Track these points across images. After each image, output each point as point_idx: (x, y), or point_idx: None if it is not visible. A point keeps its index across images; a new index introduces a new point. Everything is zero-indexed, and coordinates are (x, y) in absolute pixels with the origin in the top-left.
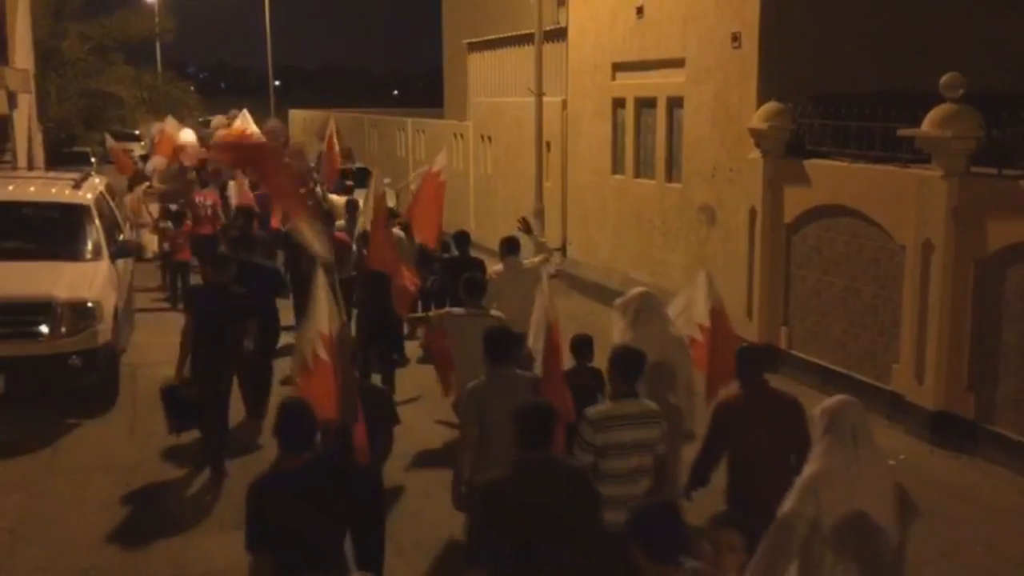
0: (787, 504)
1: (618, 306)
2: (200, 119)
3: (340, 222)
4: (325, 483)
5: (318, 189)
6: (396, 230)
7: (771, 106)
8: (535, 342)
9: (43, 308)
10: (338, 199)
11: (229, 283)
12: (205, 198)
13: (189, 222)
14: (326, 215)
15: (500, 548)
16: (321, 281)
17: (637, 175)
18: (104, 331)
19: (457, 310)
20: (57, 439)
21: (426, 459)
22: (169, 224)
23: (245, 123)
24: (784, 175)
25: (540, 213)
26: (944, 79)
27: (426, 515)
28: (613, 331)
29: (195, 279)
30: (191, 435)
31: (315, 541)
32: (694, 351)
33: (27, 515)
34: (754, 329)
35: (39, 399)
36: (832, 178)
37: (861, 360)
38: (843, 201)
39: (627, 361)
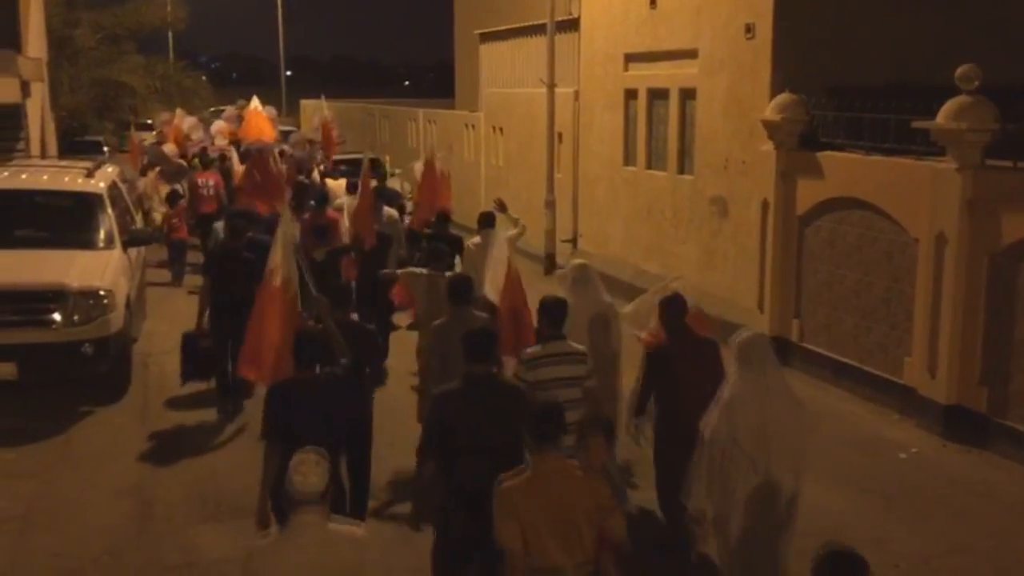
0: (709, 425)
1: (558, 276)
2: (211, 109)
3: (339, 200)
4: (329, 391)
5: (315, 175)
6: (391, 211)
7: (784, 98)
8: (490, 290)
9: (56, 296)
10: (335, 183)
11: (241, 249)
12: (207, 179)
13: (184, 202)
14: (322, 197)
15: (443, 443)
16: (281, 233)
17: (649, 167)
18: (116, 319)
19: (420, 270)
20: (70, 426)
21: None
22: (164, 207)
23: (255, 111)
24: (797, 167)
25: (551, 204)
26: (959, 71)
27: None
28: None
29: (195, 257)
30: (201, 423)
31: (315, 437)
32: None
33: (40, 502)
34: (765, 322)
35: (52, 387)
36: (845, 170)
37: (873, 353)
38: (856, 194)
39: (551, 308)
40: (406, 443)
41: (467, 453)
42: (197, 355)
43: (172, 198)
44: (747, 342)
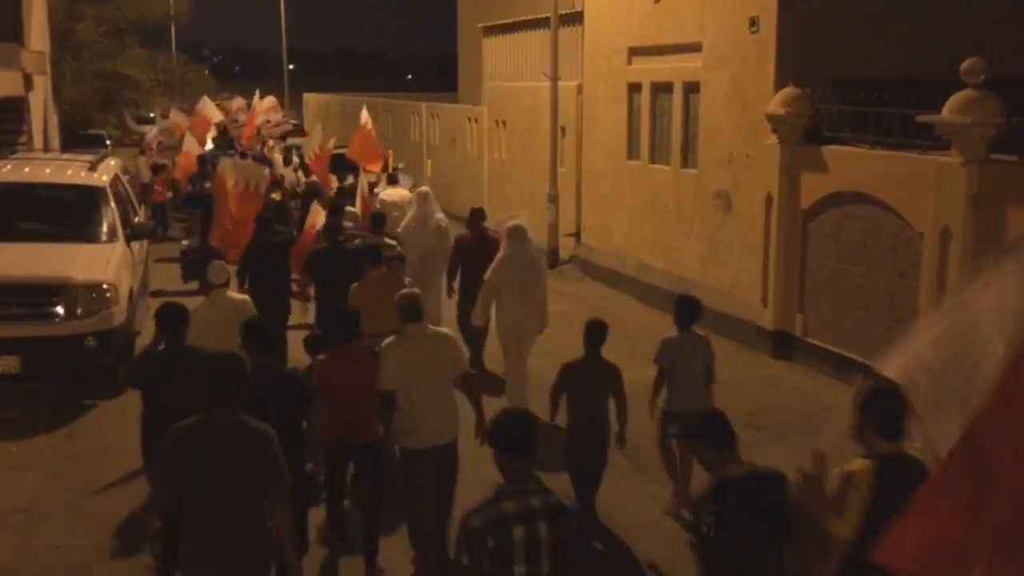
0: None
1: (503, 229)
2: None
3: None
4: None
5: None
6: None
7: (788, 91)
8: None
9: (59, 289)
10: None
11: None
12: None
13: (164, 175)
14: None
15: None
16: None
17: (652, 161)
18: (119, 312)
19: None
20: (73, 420)
21: None
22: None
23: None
24: (801, 161)
25: (554, 198)
26: (965, 64)
27: None
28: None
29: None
30: None
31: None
32: None
33: (44, 494)
34: (769, 316)
35: (55, 380)
36: (850, 164)
37: (878, 348)
38: (861, 188)
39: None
40: None
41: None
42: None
43: (156, 169)
44: (513, 228)
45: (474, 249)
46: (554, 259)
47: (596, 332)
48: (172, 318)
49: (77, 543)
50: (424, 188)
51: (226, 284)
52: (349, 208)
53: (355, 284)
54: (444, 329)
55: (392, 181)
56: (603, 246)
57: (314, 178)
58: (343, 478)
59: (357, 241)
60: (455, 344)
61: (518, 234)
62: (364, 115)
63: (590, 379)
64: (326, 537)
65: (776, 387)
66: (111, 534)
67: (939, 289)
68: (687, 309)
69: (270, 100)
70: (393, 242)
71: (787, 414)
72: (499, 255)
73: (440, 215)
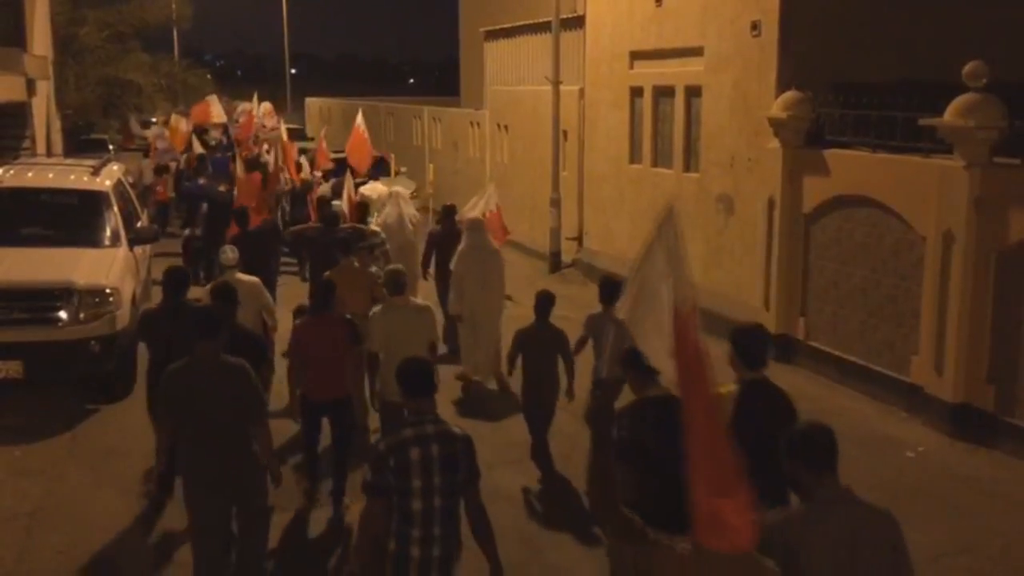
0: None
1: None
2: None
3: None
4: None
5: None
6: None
7: (790, 95)
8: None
9: (62, 294)
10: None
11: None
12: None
13: (167, 176)
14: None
15: None
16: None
17: (655, 164)
18: (122, 317)
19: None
20: (76, 424)
21: None
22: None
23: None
24: (803, 165)
25: (557, 202)
26: (967, 68)
27: None
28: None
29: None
30: None
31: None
32: (488, 221)
33: (47, 499)
34: (771, 320)
35: (58, 385)
36: (852, 168)
37: (880, 352)
38: (863, 191)
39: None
40: None
41: None
42: None
43: (159, 170)
44: (471, 222)
45: (443, 240)
46: (556, 263)
47: (545, 302)
48: (177, 281)
49: (80, 548)
50: (398, 188)
51: (236, 266)
52: (335, 202)
53: (328, 271)
54: (424, 302)
55: (372, 178)
56: (605, 250)
57: (306, 175)
58: (317, 433)
59: (346, 226)
60: (431, 316)
61: (476, 227)
62: (359, 119)
63: (540, 342)
64: (302, 487)
65: None
66: (114, 539)
67: (942, 293)
68: (609, 288)
69: (267, 106)
70: (377, 229)
71: None
72: (460, 247)
73: (412, 212)
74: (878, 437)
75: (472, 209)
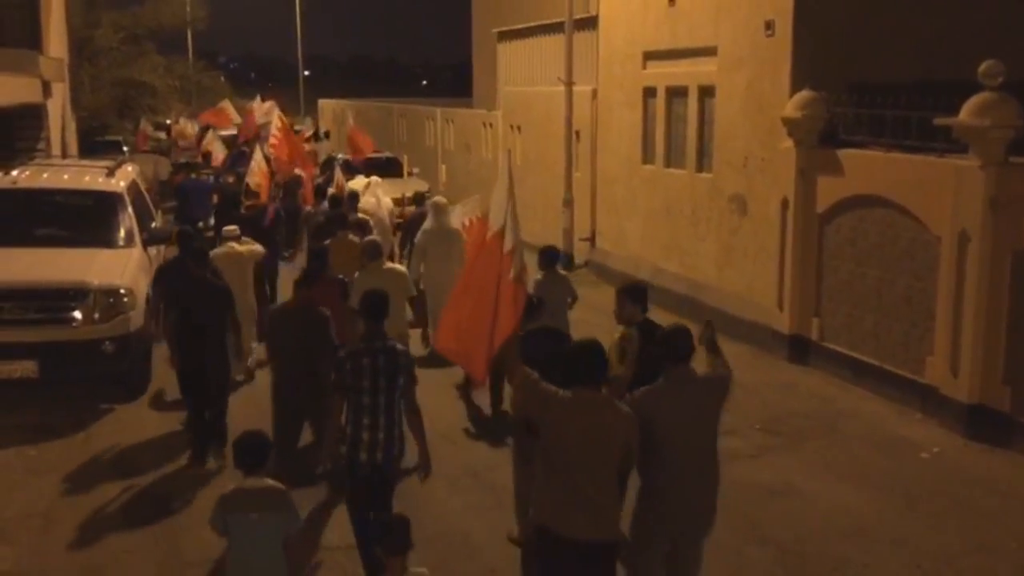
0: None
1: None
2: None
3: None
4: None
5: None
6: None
7: (804, 95)
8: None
9: (77, 294)
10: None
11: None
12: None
13: (185, 171)
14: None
15: None
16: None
17: (668, 165)
18: (136, 317)
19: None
20: (91, 424)
21: None
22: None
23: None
24: (817, 165)
25: (569, 203)
26: (983, 67)
27: None
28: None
29: None
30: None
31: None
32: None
33: (61, 498)
34: (785, 320)
35: (73, 384)
36: (866, 168)
37: (894, 352)
38: (877, 191)
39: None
40: None
41: None
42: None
43: (177, 168)
44: (434, 203)
45: (414, 223)
46: (569, 263)
47: (550, 254)
48: (188, 237)
49: (94, 547)
50: (374, 177)
51: (237, 238)
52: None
53: (328, 240)
54: (398, 265)
55: (365, 174)
56: (618, 250)
57: (297, 172)
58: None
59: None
60: (404, 276)
61: (438, 208)
62: (349, 120)
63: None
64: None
65: (792, 392)
66: (127, 538)
67: (957, 293)
68: (547, 255)
69: (269, 104)
70: (364, 216)
71: (803, 419)
72: (424, 226)
73: (387, 200)
74: (893, 438)
75: (456, 219)
